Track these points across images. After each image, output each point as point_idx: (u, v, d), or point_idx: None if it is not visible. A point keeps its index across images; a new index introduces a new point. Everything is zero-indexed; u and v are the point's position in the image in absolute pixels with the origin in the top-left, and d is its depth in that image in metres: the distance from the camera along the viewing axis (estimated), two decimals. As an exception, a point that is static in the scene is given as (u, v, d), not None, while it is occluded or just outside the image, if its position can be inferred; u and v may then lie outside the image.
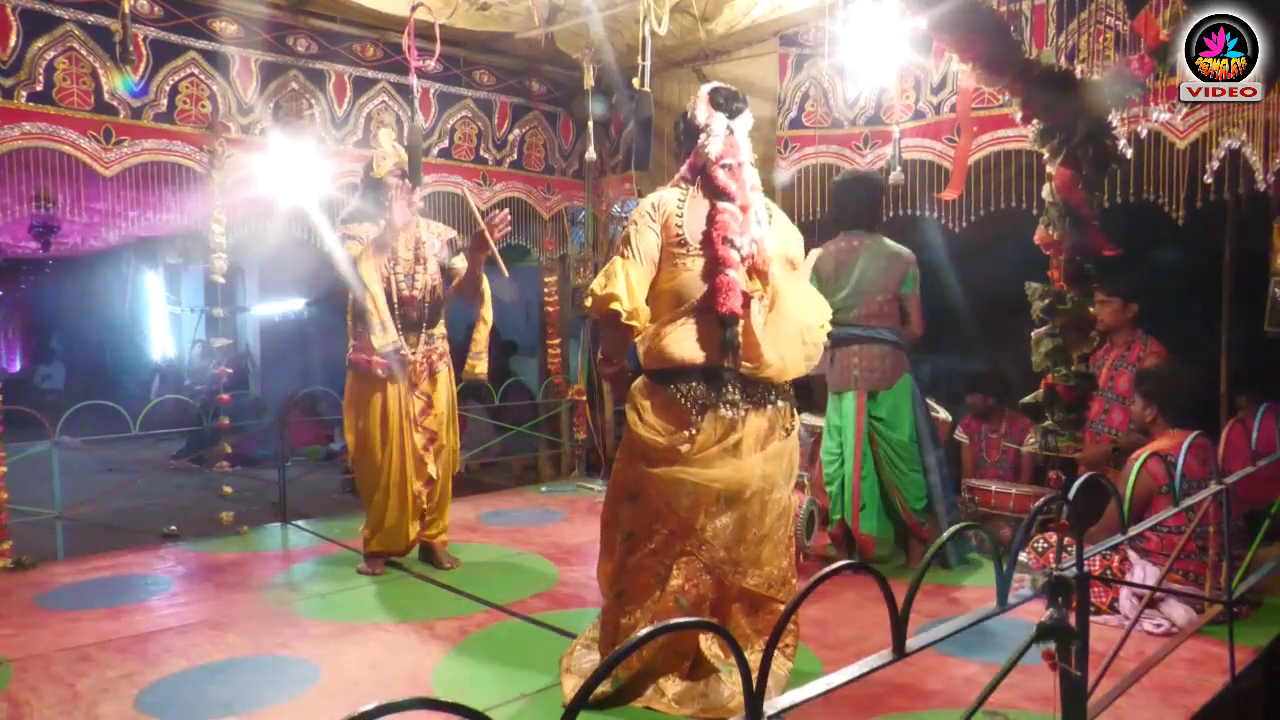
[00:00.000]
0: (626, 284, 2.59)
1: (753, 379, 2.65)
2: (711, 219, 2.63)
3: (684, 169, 2.80)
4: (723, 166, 2.68)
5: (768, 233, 2.73)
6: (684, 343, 2.62)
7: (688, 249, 2.66)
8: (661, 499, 2.66)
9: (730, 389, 2.63)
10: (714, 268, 2.60)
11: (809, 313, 2.82)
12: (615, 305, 2.57)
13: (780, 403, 2.75)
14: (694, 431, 2.62)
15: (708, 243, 2.63)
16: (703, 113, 2.76)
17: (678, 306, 2.66)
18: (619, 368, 2.79)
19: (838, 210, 4.21)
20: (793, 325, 2.72)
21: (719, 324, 2.60)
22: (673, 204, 2.71)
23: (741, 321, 2.61)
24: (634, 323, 2.61)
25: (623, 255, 2.66)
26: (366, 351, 3.99)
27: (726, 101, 2.78)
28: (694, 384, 2.61)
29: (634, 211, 2.77)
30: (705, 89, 2.82)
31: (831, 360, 4.14)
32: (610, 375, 2.82)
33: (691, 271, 2.65)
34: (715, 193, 2.67)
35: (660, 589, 2.68)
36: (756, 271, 2.66)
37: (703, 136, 2.74)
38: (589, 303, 2.66)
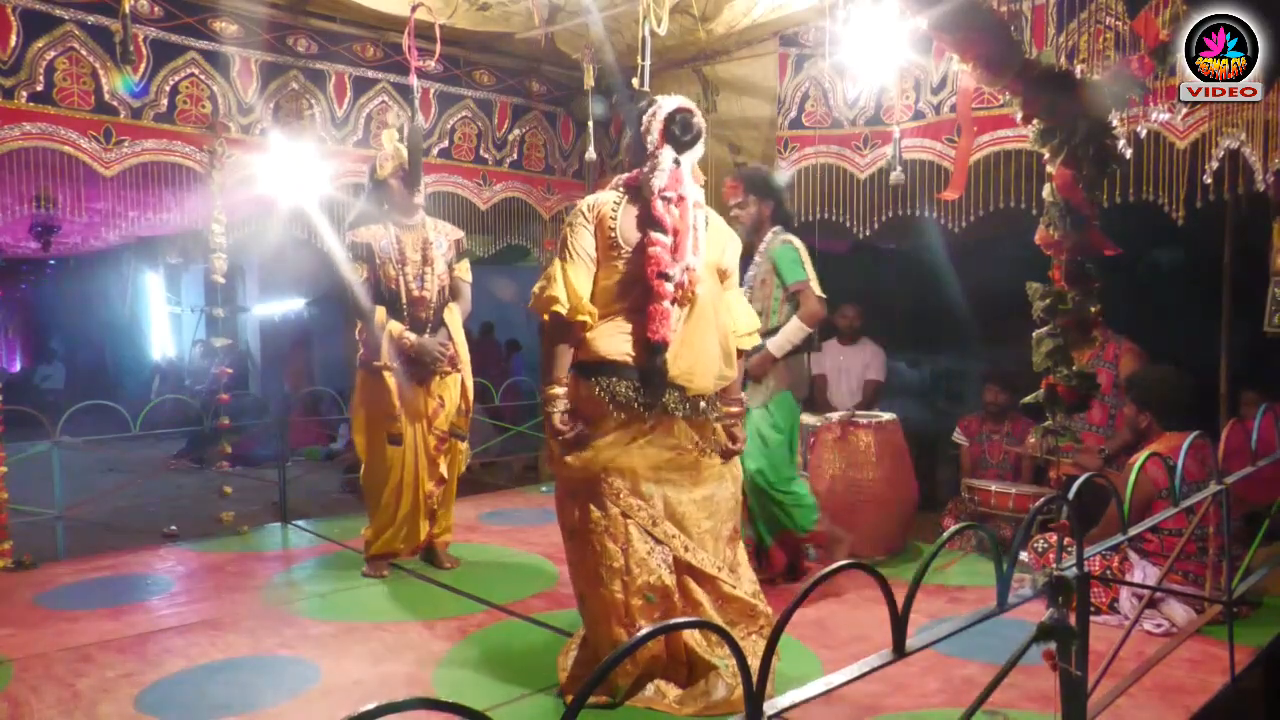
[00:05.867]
0: (566, 284, 2.68)
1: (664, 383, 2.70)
2: (645, 250, 2.67)
3: (623, 178, 2.84)
4: (663, 199, 2.71)
5: (703, 250, 2.75)
6: (610, 339, 2.70)
7: (620, 251, 2.73)
8: (590, 484, 2.71)
9: (643, 390, 2.68)
10: (648, 298, 2.66)
11: (729, 323, 2.86)
12: (556, 307, 2.66)
13: (698, 416, 2.76)
14: (605, 422, 2.69)
15: (644, 275, 2.66)
16: (653, 140, 2.77)
17: (607, 306, 2.74)
18: (558, 379, 2.74)
19: (782, 204, 4.04)
20: (707, 337, 2.76)
21: (646, 348, 2.66)
22: (608, 206, 2.77)
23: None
24: (582, 318, 2.69)
25: (561, 258, 2.74)
26: (376, 353, 3.98)
27: (680, 133, 2.77)
28: (613, 379, 2.68)
29: (570, 214, 2.83)
30: (664, 110, 2.78)
31: (800, 361, 3.96)
32: (549, 397, 2.76)
33: (624, 274, 2.72)
34: (650, 222, 2.70)
35: (625, 591, 2.69)
36: (682, 290, 2.70)
37: (648, 165, 2.76)
38: (531, 304, 2.74)
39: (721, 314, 2.83)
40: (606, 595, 2.69)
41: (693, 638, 2.74)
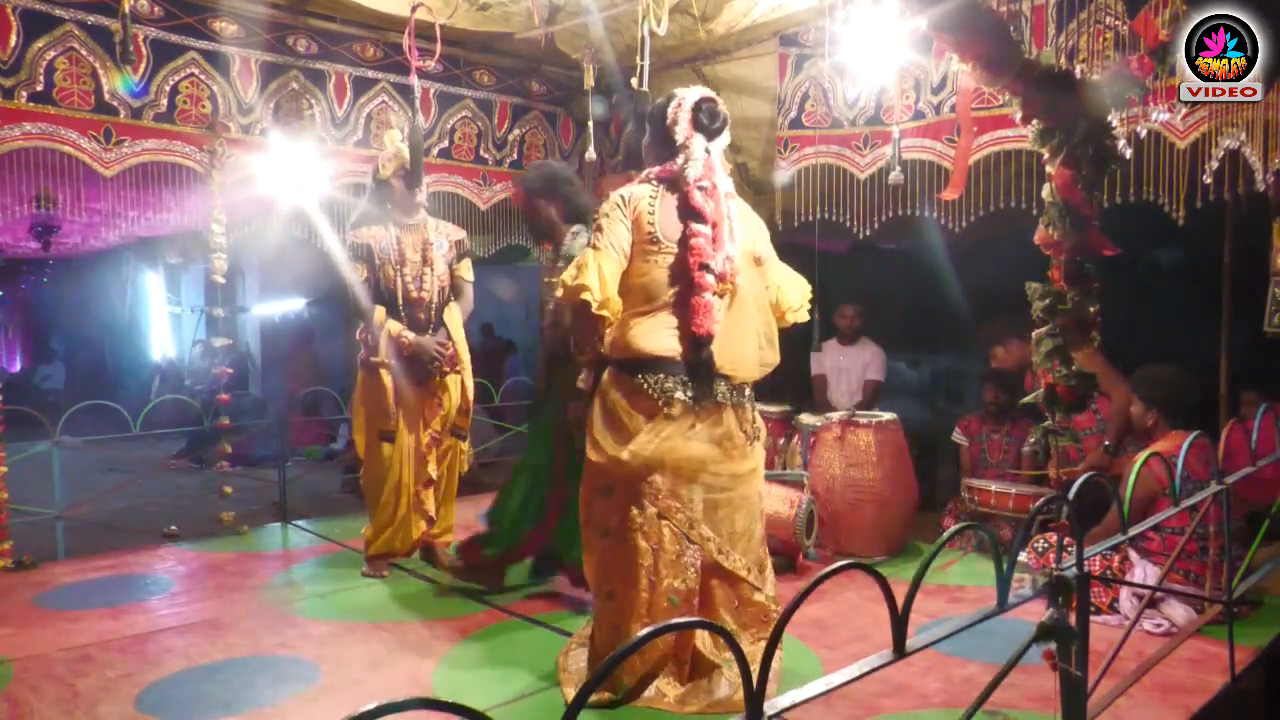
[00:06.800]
0: (599, 276, 2.64)
1: (712, 375, 2.72)
2: (686, 242, 2.68)
3: (654, 171, 2.82)
4: (699, 189, 2.71)
5: (739, 239, 2.77)
6: (650, 335, 2.69)
7: (659, 246, 2.71)
8: (631, 482, 2.70)
9: (691, 383, 2.69)
10: (691, 290, 2.66)
11: (782, 301, 2.92)
12: (586, 296, 2.62)
13: (744, 402, 2.81)
14: (657, 418, 2.68)
15: (686, 266, 2.67)
16: (683, 130, 2.77)
17: (647, 302, 2.72)
18: (592, 355, 2.85)
19: (573, 200, 3.73)
20: (749, 326, 2.79)
21: (693, 342, 2.66)
22: (644, 201, 2.75)
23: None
24: (605, 313, 2.67)
25: (595, 247, 2.69)
26: (376, 353, 3.99)
27: (709, 121, 2.79)
28: (660, 375, 2.67)
29: (604, 205, 2.79)
30: (689, 101, 2.80)
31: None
32: (585, 362, 2.89)
33: (665, 268, 2.70)
34: (690, 213, 2.70)
35: (650, 590, 2.69)
36: (724, 280, 2.72)
37: (681, 156, 2.76)
38: (560, 293, 2.70)
39: (761, 299, 2.85)
40: (634, 595, 2.69)
41: (699, 638, 2.74)
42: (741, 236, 2.79)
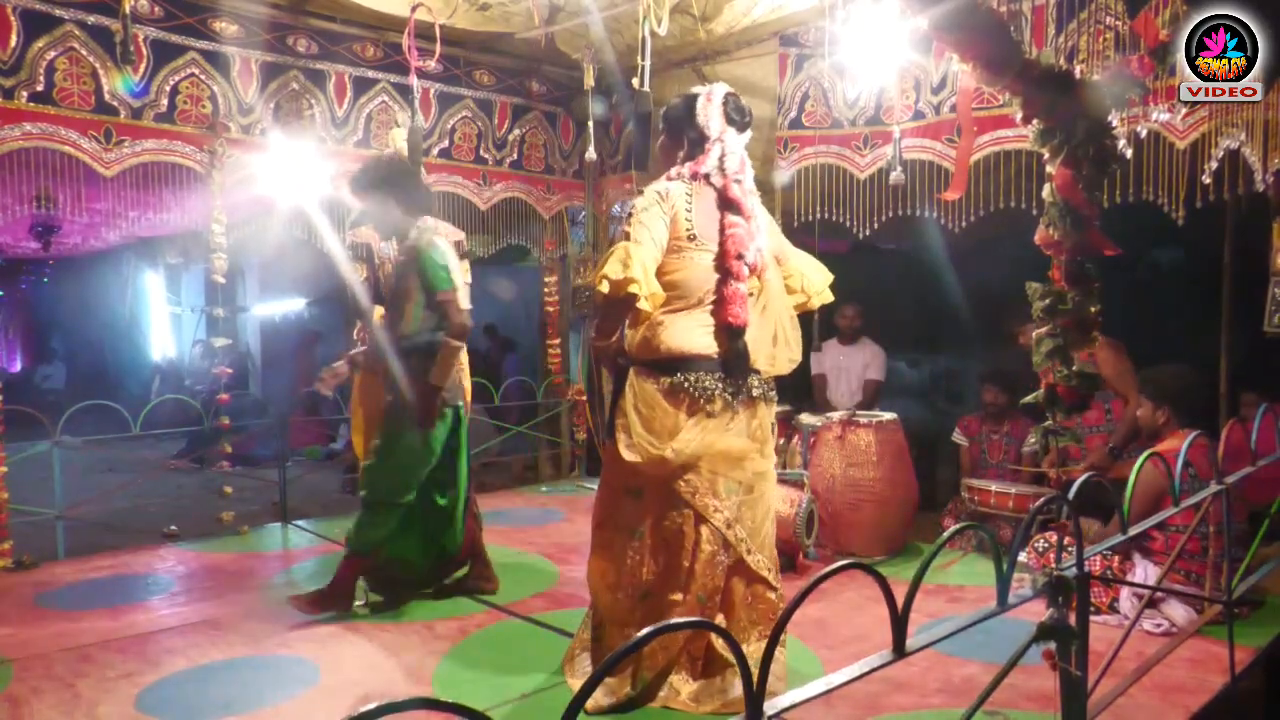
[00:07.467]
0: (643, 269, 2.61)
1: (747, 369, 2.75)
2: (723, 232, 2.71)
3: (685, 168, 2.81)
4: (736, 181, 2.76)
5: (764, 235, 2.81)
6: (686, 335, 2.69)
7: (696, 243, 2.72)
8: (666, 482, 2.69)
9: (728, 380, 2.71)
10: (725, 281, 2.69)
11: (809, 286, 2.96)
12: (634, 289, 2.58)
13: (773, 395, 2.86)
14: (698, 415, 2.68)
15: (722, 255, 2.70)
16: (716, 124, 2.80)
17: (679, 299, 2.71)
18: (613, 345, 2.85)
19: (413, 193, 3.67)
20: (777, 322, 2.83)
21: (727, 333, 2.69)
22: (680, 198, 2.75)
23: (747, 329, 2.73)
24: (645, 306, 2.64)
25: (636, 241, 2.65)
26: (374, 353, 3.98)
27: (738, 115, 2.83)
28: (699, 373, 2.68)
29: (642, 199, 2.76)
30: (718, 95, 2.82)
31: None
32: (600, 350, 2.88)
33: (701, 265, 2.71)
34: (727, 205, 2.73)
35: (685, 591, 2.70)
36: (755, 274, 2.77)
37: (717, 148, 2.78)
38: (604, 287, 2.60)
39: (785, 297, 2.89)
40: (673, 595, 2.70)
41: (715, 640, 2.74)
42: (766, 232, 2.84)
